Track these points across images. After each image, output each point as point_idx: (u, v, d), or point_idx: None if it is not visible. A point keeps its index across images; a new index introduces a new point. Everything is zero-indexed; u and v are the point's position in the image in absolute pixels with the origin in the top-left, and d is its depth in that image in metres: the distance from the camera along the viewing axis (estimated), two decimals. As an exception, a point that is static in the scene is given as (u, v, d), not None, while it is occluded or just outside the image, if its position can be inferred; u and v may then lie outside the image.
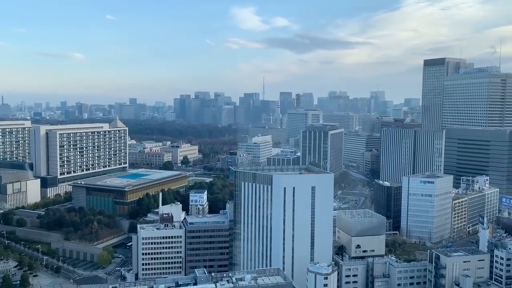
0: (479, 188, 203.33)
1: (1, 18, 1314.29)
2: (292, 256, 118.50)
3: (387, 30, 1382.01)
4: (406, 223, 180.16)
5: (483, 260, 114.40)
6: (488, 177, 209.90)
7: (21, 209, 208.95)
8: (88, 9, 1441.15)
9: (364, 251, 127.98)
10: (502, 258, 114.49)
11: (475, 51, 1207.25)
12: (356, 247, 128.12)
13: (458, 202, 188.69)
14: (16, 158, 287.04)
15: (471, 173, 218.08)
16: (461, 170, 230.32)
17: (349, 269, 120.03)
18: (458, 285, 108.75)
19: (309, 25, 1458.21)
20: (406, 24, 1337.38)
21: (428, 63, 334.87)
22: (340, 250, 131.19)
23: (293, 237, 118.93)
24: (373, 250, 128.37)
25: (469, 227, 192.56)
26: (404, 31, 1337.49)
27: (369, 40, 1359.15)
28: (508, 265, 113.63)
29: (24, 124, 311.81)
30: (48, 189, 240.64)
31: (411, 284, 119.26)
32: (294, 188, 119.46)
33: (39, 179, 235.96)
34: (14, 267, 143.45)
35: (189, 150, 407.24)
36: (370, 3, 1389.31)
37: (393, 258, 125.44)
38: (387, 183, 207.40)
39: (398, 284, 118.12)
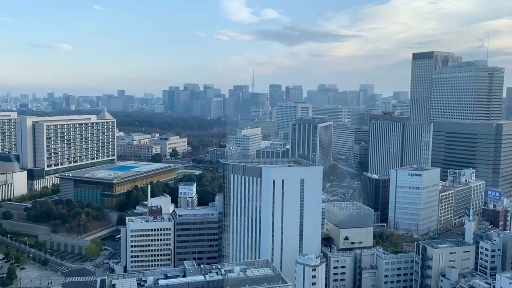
0: (466, 180, 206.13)
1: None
2: (281, 248, 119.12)
3: (377, 23, 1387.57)
4: (393, 215, 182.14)
5: (469, 251, 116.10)
6: (474, 170, 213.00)
7: (8, 202, 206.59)
8: (75, 0, 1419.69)
9: (352, 243, 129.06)
10: (487, 250, 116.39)
11: (463, 45, 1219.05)
12: (344, 239, 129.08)
13: (445, 195, 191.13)
14: (2, 149, 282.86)
15: (458, 166, 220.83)
16: (448, 163, 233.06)
17: (337, 261, 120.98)
18: (444, 276, 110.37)
19: (299, 18, 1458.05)
20: (395, 18, 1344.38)
21: (416, 57, 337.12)
22: (328, 242, 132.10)
23: (282, 229, 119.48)
24: (361, 242, 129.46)
25: (455, 219, 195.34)
26: (393, 24, 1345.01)
27: (358, 33, 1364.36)
28: (492, 256, 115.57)
29: (10, 115, 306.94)
30: (35, 181, 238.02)
31: (398, 275, 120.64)
32: (283, 180, 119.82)
33: (25, 171, 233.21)
34: (1, 259, 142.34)
35: (178, 143, 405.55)
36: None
37: (381, 249, 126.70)
38: (375, 176, 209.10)
39: (386, 276, 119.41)
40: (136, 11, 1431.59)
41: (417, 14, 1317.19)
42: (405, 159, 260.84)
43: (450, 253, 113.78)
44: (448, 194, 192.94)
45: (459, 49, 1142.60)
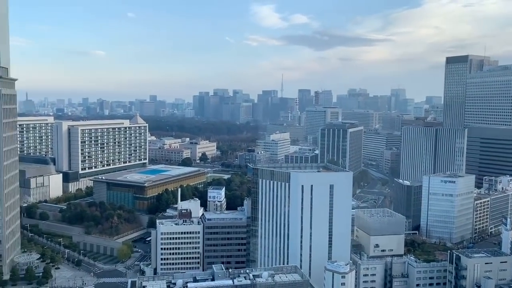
0: (502, 188, 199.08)
1: (27, 17, 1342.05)
2: (310, 254, 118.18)
3: (408, 27, 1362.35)
4: (426, 223, 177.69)
5: (506, 262, 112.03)
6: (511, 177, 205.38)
7: (44, 203, 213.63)
8: (110, 8, 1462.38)
9: (383, 251, 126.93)
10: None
11: (499, 48, 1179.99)
12: (374, 246, 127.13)
13: (480, 203, 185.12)
14: (39, 153, 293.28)
15: (494, 173, 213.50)
16: (484, 170, 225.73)
17: (367, 268, 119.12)
18: (479, 287, 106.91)
19: (328, 22, 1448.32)
20: (427, 21, 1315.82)
21: (450, 61, 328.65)
22: (358, 249, 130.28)
23: (310, 235, 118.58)
24: (391, 250, 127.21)
25: (491, 228, 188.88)
26: (425, 28, 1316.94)
27: (389, 37, 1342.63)
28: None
29: (47, 120, 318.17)
30: (70, 183, 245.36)
31: (431, 284, 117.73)
32: (312, 186, 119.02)
33: (61, 174, 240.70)
34: (37, 259, 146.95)
35: (208, 147, 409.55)
36: (390, 0, 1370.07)
37: (412, 258, 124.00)
38: (407, 182, 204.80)
39: (417, 285, 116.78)
40: (167, 18, 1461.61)
41: (451, 18, 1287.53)
42: (438, 165, 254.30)
43: (486, 263, 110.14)
44: (484, 202, 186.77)
45: (495, 52, 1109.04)
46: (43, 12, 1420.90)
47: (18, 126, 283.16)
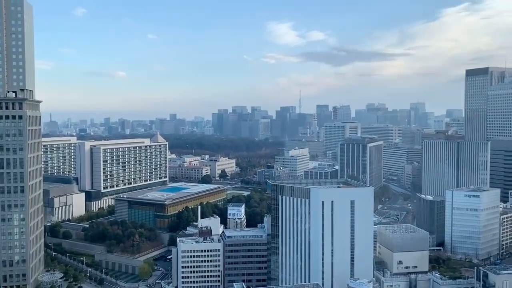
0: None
1: (51, 40, 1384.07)
2: (332, 272, 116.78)
3: (426, 40, 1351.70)
4: (450, 239, 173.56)
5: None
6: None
7: (67, 222, 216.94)
8: (131, 30, 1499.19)
9: (407, 267, 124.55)
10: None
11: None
12: (398, 263, 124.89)
13: (507, 217, 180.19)
14: (62, 172, 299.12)
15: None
16: (509, 184, 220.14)
17: (391, 286, 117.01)
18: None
19: (345, 38, 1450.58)
20: (446, 34, 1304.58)
21: (470, 73, 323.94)
22: (381, 266, 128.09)
23: (332, 252, 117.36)
24: (416, 267, 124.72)
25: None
26: (444, 41, 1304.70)
27: (408, 51, 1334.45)
28: None
29: (70, 140, 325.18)
30: (92, 202, 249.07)
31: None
32: (332, 202, 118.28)
33: (83, 193, 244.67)
34: (60, 278, 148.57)
35: (227, 164, 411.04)
36: (408, 15, 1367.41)
37: (437, 275, 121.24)
38: (429, 197, 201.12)
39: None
40: (187, 39, 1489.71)
41: (470, 30, 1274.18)
42: (461, 179, 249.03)
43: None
44: (510, 216, 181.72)
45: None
46: (66, 36, 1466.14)
47: (42, 146, 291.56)
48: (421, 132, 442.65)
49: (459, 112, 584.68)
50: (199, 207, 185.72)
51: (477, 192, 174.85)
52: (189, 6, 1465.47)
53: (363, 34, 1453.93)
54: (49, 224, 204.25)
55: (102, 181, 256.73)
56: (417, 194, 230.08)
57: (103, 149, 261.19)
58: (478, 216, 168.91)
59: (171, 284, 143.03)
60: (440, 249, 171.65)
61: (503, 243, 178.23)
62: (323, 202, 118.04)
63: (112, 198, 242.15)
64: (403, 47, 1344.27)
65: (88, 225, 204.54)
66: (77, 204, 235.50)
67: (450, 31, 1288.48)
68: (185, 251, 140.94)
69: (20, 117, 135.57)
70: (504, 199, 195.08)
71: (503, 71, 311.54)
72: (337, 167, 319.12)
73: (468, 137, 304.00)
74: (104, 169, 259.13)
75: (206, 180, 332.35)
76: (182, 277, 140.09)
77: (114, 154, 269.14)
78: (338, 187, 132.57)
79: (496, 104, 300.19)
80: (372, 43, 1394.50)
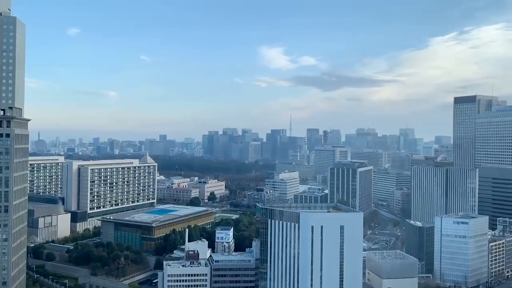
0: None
1: (44, 59, 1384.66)
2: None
3: (415, 68, 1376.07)
4: (439, 266, 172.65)
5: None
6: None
7: (51, 243, 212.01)
8: (124, 50, 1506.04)
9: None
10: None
11: (506, 89, 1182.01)
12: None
13: (495, 245, 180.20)
14: (48, 192, 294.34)
15: (508, 214, 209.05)
16: (497, 211, 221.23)
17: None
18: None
19: (336, 64, 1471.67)
20: (434, 62, 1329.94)
21: (458, 101, 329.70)
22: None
23: (321, 278, 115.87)
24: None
25: (508, 272, 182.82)
26: (433, 69, 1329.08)
27: (397, 78, 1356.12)
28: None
29: (57, 159, 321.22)
30: (78, 223, 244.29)
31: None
32: (322, 227, 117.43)
33: (69, 214, 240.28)
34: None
35: (216, 186, 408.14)
36: (397, 42, 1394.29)
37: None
38: (418, 223, 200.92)
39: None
40: (179, 60, 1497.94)
41: (457, 59, 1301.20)
42: (449, 206, 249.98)
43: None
44: (499, 244, 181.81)
45: (502, 93, 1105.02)
46: (58, 55, 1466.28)
47: (29, 165, 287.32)
48: (410, 158, 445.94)
49: (447, 139, 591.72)
50: (187, 230, 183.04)
51: (465, 219, 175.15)
52: (182, 29, 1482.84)
53: (353, 60, 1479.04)
54: (33, 245, 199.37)
55: (88, 201, 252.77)
56: (406, 220, 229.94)
57: (91, 169, 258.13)
58: (467, 243, 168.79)
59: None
60: (430, 276, 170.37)
61: (492, 271, 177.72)
62: (312, 226, 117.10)
63: (98, 219, 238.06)
64: (392, 74, 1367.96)
65: (72, 247, 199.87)
66: (62, 225, 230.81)
67: (439, 59, 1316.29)
68: (171, 275, 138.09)
69: (8, 135, 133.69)
70: (492, 226, 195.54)
71: (490, 99, 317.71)
72: (327, 191, 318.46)
73: (456, 164, 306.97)
74: (91, 189, 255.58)
75: (194, 202, 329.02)
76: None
77: (102, 174, 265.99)
78: (328, 211, 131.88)
79: (483, 132, 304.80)
80: (361, 69, 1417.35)
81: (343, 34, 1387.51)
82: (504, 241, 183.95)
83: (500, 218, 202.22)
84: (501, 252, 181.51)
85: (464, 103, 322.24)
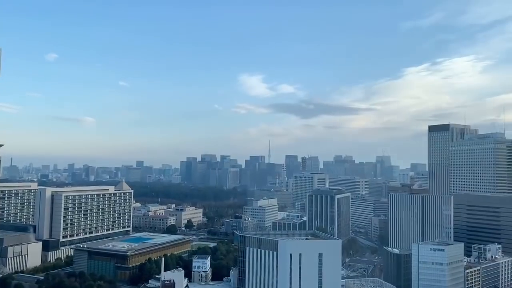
0: (492, 256, 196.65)
1: (20, 84, 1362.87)
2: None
3: (390, 97, 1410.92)
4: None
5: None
6: (500, 245, 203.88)
7: (20, 274, 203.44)
8: (102, 76, 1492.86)
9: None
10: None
11: (478, 117, 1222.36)
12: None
13: (471, 271, 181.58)
14: (19, 220, 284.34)
15: (482, 240, 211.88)
16: (472, 237, 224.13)
17: None
18: None
19: (314, 92, 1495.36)
20: (408, 92, 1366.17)
21: (432, 129, 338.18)
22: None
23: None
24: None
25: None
26: (407, 98, 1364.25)
27: (373, 106, 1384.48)
28: None
29: (30, 186, 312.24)
30: (50, 252, 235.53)
31: None
32: (300, 254, 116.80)
33: (40, 242, 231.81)
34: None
35: (194, 214, 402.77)
36: (372, 72, 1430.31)
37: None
38: (396, 251, 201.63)
39: None
40: (158, 86, 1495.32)
41: (431, 88, 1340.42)
42: (426, 233, 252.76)
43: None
44: (474, 271, 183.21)
45: (474, 121, 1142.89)
46: (35, 80, 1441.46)
47: (0, 192, 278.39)
48: (387, 185, 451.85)
49: (423, 166, 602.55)
50: (163, 259, 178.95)
51: (442, 246, 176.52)
52: (161, 55, 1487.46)
53: (330, 89, 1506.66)
54: (0, 276, 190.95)
55: (61, 229, 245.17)
56: (384, 247, 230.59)
57: (64, 195, 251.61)
58: (444, 270, 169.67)
59: None
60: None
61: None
62: (291, 254, 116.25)
63: (71, 248, 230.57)
64: (368, 102, 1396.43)
65: (43, 277, 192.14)
66: (33, 254, 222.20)
67: (413, 88, 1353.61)
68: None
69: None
70: (467, 253, 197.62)
71: (463, 128, 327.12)
72: (305, 218, 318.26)
73: (432, 191, 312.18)
74: (64, 217, 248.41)
75: (171, 230, 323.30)
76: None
77: (76, 201, 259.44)
78: (307, 239, 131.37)
79: (457, 159, 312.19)
80: (338, 97, 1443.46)
81: (320, 63, 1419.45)
82: (479, 267, 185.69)
83: (475, 245, 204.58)
84: (477, 279, 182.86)
85: (438, 131, 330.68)
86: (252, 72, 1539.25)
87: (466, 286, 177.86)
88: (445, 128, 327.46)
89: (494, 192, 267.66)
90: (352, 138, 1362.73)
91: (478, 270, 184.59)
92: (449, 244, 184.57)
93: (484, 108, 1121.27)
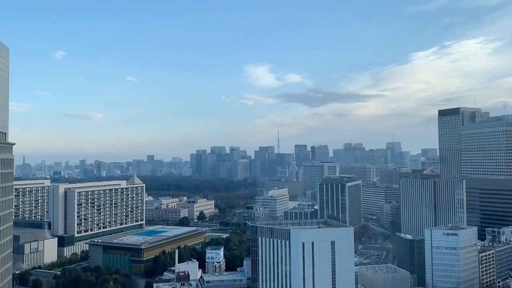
0: (506, 239, 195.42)
1: (30, 82, 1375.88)
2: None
3: (399, 82, 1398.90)
4: (431, 278, 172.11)
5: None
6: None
7: (38, 269, 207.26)
8: (110, 72, 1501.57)
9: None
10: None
11: (489, 100, 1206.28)
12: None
13: (485, 255, 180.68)
14: (34, 217, 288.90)
15: (496, 224, 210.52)
16: (485, 221, 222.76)
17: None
18: None
19: (321, 81, 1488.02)
20: (417, 77, 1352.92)
21: (443, 113, 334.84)
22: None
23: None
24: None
25: (499, 282, 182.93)
26: (416, 83, 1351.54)
27: (381, 92, 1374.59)
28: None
29: (43, 183, 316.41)
30: (65, 248, 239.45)
31: None
32: (313, 243, 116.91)
33: (56, 238, 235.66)
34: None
35: (205, 205, 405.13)
36: (380, 58, 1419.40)
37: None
38: (409, 236, 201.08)
39: None
40: (165, 80, 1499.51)
41: (440, 73, 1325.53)
42: (439, 218, 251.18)
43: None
44: (489, 254, 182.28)
45: (485, 104, 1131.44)
46: (44, 78, 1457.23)
47: (14, 190, 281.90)
48: (398, 171, 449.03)
49: (433, 151, 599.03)
50: (176, 251, 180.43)
51: (455, 231, 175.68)
52: (168, 49, 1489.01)
53: (338, 76, 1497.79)
54: (18, 272, 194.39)
55: (76, 225, 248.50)
56: (396, 233, 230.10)
57: (77, 192, 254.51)
58: (458, 254, 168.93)
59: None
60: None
61: (483, 281, 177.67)
62: (303, 243, 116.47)
63: (86, 243, 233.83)
64: (377, 89, 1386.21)
65: (60, 272, 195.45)
66: (49, 250, 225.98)
67: (421, 73, 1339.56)
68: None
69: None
70: (481, 237, 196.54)
71: (473, 111, 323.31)
72: (316, 207, 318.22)
73: (443, 176, 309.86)
74: (78, 212, 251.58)
75: (184, 222, 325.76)
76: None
77: (89, 197, 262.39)
78: (318, 227, 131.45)
79: (468, 143, 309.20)
80: (347, 85, 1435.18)
81: (327, 51, 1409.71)
82: (493, 251, 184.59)
83: (488, 228, 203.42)
84: (491, 263, 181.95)
85: (448, 115, 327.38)
86: (259, 62, 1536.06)
87: (481, 270, 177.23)
88: (455, 112, 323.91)
89: (506, 175, 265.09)
90: (362, 126, 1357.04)
91: (493, 253, 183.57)
92: (462, 228, 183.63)
93: (495, 90, 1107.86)
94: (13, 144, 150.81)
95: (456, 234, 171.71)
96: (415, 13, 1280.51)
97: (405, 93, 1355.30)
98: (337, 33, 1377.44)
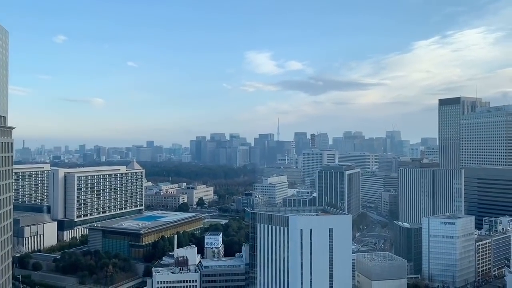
0: (503, 229, 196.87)
1: (30, 67, 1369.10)
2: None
3: (400, 71, 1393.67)
4: (428, 266, 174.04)
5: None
6: (511, 218, 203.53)
7: (37, 253, 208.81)
8: (111, 57, 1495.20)
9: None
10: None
11: (489, 90, 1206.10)
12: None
13: (482, 244, 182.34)
14: (34, 201, 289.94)
15: (493, 213, 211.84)
16: (483, 211, 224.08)
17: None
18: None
19: (322, 68, 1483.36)
20: (418, 65, 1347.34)
21: (443, 103, 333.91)
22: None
23: (311, 281, 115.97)
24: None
25: (494, 271, 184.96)
26: (417, 72, 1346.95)
27: (382, 81, 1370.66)
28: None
29: (43, 167, 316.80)
30: (65, 232, 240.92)
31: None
32: (311, 230, 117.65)
33: (55, 222, 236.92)
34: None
35: (205, 191, 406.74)
36: (381, 47, 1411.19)
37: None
38: (406, 224, 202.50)
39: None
40: (166, 66, 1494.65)
41: (441, 62, 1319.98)
42: (436, 207, 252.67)
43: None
44: (485, 243, 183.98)
45: (485, 94, 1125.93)
46: (44, 62, 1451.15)
47: (14, 174, 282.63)
48: (397, 160, 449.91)
49: (433, 140, 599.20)
50: (176, 236, 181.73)
51: (452, 220, 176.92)
52: (168, 36, 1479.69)
53: (339, 65, 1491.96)
54: (18, 255, 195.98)
55: (75, 209, 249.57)
56: (394, 221, 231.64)
57: (77, 176, 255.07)
58: (454, 243, 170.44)
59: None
60: (418, 277, 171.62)
61: (479, 270, 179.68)
62: (301, 230, 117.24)
63: (85, 227, 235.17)
64: (377, 77, 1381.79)
65: (59, 256, 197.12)
66: (49, 234, 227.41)
67: (422, 62, 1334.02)
68: (160, 282, 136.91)
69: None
70: (478, 226, 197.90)
71: (474, 101, 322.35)
72: (315, 194, 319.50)
73: (442, 165, 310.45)
74: (78, 197, 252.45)
75: (183, 208, 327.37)
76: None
77: (89, 181, 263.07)
78: (317, 214, 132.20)
79: (468, 133, 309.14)
80: (347, 73, 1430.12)
81: (329, 39, 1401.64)
82: (490, 240, 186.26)
83: (486, 218, 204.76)
84: (487, 252, 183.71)
85: (449, 104, 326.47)
86: (260, 49, 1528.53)
87: (477, 259, 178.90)
88: (456, 101, 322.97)
89: (505, 165, 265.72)
90: (362, 114, 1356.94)
91: (489, 242, 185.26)
92: (459, 217, 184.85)
93: (496, 80, 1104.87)
94: (13, 128, 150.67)
95: (453, 223, 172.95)
96: (418, 2, 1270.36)
97: (406, 82, 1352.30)
98: (339, 21, 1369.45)
